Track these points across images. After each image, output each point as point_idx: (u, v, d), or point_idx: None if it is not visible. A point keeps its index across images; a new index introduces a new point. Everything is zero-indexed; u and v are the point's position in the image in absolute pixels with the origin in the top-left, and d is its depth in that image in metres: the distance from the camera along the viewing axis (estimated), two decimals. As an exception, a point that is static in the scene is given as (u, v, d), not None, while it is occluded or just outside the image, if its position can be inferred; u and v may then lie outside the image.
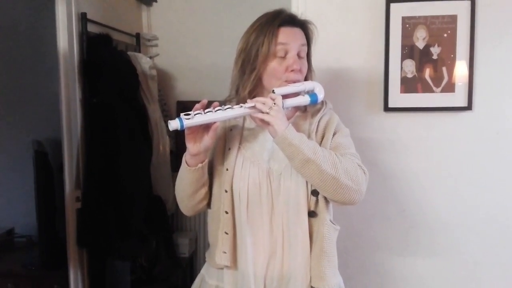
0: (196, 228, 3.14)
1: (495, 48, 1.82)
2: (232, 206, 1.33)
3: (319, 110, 1.37)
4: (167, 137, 2.74)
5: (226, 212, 1.32)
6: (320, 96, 1.32)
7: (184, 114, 1.19)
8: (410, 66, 1.86)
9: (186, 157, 1.31)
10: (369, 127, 1.92)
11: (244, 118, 1.39)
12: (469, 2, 1.80)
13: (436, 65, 1.84)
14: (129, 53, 2.60)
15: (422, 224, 1.94)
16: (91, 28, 2.29)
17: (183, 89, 3.10)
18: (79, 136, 2.21)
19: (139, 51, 2.88)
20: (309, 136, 1.30)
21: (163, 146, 2.69)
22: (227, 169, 1.33)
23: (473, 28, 1.80)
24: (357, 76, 1.91)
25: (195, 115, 1.20)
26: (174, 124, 1.18)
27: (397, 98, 1.87)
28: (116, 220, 2.17)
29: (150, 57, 2.94)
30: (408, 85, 1.86)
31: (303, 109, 1.39)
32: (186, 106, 2.94)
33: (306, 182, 1.29)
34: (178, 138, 2.88)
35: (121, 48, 2.54)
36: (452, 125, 1.88)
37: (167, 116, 2.89)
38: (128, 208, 2.23)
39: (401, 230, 1.95)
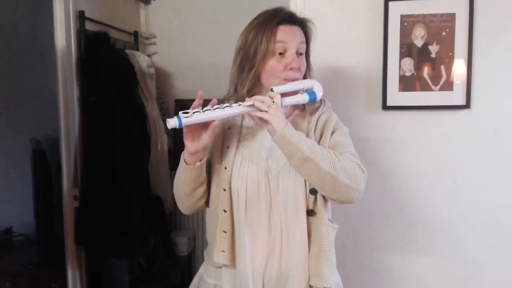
0: (194, 227, 3.14)
1: (493, 47, 1.82)
2: (230, 205, 1.32)
3: (317, 109, 1.37)
4: (165, 135, 2.74)
5: (225, 211, 1.32)
6: (319, 94, 1.31)
7: (183, 112, 1.19)
8: (408, 65, 1.86)
9: (184, 155, 1.30)
10: (368, 126, 1.92)
11: (243, 117, 1.39)
12: (468, 1, 1.80)
13: (435, 63, 1.84)
14: (127, 51, 2.60)
15: (421, 222, 1.94)
16: (89, 26, 2.28)
17: (181, 88, 3.10)
18: (77, 134, 2.21)
19: (137, 49, 2.88)
20: (307, 135, 1.30)
21: (161, 144, 2.69)
22: (225, 168, 1.33)
23: (472, 26, 1.80)
24: (355, 75, 1.91)
25: (193, 113, 1.20)
26: (172, 122, 1.18)
27: (395, 96, 1.87)
28: (114, 218, 2.17)
29: (148, 55, 2.94)
30: (407, 84, 1.86)
31: (301, 107, 1.39)
32: (184, 105, 2.94)
33: (305, 181, 1.29)
34: (176, 137, 2.88)
35: (119, 46, 2.54)
36: (451, 124, 1.88)
37: (165, 115, 2.89)
38: (126, 207, 2.23)
39: (400, 228, 1.96)
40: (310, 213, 1.30)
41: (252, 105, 1.23)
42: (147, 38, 3.04)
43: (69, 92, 2.16)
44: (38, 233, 2.49)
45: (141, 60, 2.64)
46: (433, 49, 1.84)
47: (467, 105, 1.84)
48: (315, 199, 1.30)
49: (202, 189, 1.35)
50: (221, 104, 1.23)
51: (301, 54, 1.34)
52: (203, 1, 3.03)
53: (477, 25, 1.81)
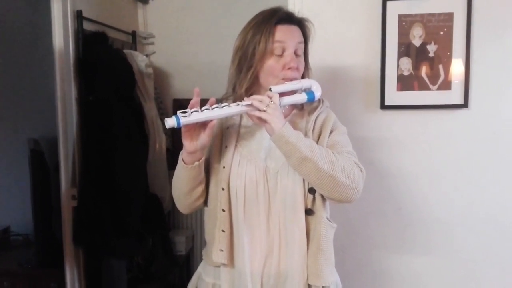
0: (192, 226, 3.14)
1: (491, 46, 1.83)
2: (229, 204, 1.32)
3: (316, 108, 1.37)
4: (164, 135, 2.74)
5: (223, 210, 1.32)
6: (317, 94, 1.32)
7: (181, 112, 1.19)
8: (406, 64, 1.86)
9: (182, 155, 1.30)
10: (366, 125, 1.92)
11: (241, 116, 1.39)
12: (465, 0, 1.80)
13: (433, 63, 1.85)
14: (125, 51, 2.60)
15: (419, 222, 1.94)
16: (87, 26, 2.28)
17: (180, 87, 3.10)
18: (75, 134, 2.20)
19: (135, 49, 2.87)
20: (305, 134, 1.30)
21: (160, 144, 2.69)
22: (224, 167, 1.33)
23: (470, 26, 1.81)
24: (353, 74, 1.91)
25: (191, 112, 1.20)
26: (170, 122, 1.18)
27: (393, 96, 1.88)
28: (112, 218, 2.17)
29: (146, 55, 2.94)
30: (405, 83, 1.87)
31: (300, 107, 1.39)
32: (182, 104, 2.92)
33: (303, 180, 1.29)
34: (175, 136, 2.88)
35: (117, 46, 2.54)
36: (449, 123, 1.88)
37: (164, 114, 2.89)
38: (125, 206, 2.23)
39: (398, 228, 1.96)
40: (308, 212, 1.31)
41: (251, 105, 1.23)
42: (145, 38, 3.04)
43: (67, 92, 2.16)
44: (36, 233, 2.49)
45: (139, 60, 2.64)
46: (431, 48, 1.84)
47: (465, 105, 1.84)
48: (314, 199, 1.30)
49: (201, 188, 1.35)
50: (220, 104, 1.24)
51: (299, 54, 1.34)
52: (201, 0, 3.03)
53: (475, 24, 1.81)
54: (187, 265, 3.11)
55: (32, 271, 2.43)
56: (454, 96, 1.85)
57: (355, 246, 1.98)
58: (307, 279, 1.32)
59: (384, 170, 1.93)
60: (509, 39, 1.82)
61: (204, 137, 1.24)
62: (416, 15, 1.83)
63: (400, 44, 1.85)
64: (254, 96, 1.25)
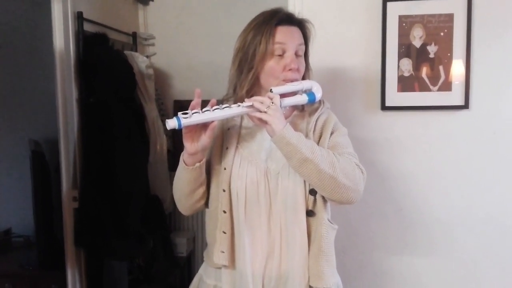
0: (194, 228, 3.14)
1: (491, 47, 1.82)
2: (230, 206, 1.32)
3: (316, 109, 1.37)
4: (164, 136, 2.74)
5: (224, 212, 1.32)
6: (318, 95, 1.32)
7: (182, 113, 1.19)
8: (407, 65, 1.86)
9: (183, 156, 1.30)
10: (367, 126, 1.92)
11: (242, 117, 1.39)
12: (466, 1, 1.80)
13: (433, 63, 1.85)
14: (126, 52, 2.60)
15: (420, 223, 1.94)
16: (88, 27, 2.28)
17: (180, 88, 3.10)
18: (75, 135, 2.21)
19: (136, 50, 2.88)
20: (306, 135, 1.30)
21: (160, 145, 2.69)
22: (224, 168, 1.33)
23: (470, 26, 1.81)
24: (354, 75, 1.91)
25: (192, 114, 1.19)
26: (171, 123, 1.18)
27: (394, 97, 1.87)
28: (113, 219, 2.17)
29: (147, 56, 2.94)
30: (405, 84, 1.86)
31: (300, 108, 1.39)
32: (183, 105, 2.94)
33: (304, 182, 1.29)
34: (176, 137, 2.88)
35: (117, 47, 2.54)
36: (449, 124, 1.88)
37: (164, 115, 2.89)
38: (125, 208, 2.23)
39: (399, 229, 1.96)
40: (309, 213, 1.30)
41: (252, 106, 1.23)
42: (145, 39, 3.04)
43: (68, 93, 2.16)
44: (38, 234, 2.49)
45: (139, 61, 2.64)
46: (432, 49, 1.84)
47: (465, 106, 1.84)
48: (315, 200, 1.30)
49: (202, 190, 1.35)
50: (221, 105, 1.24)
51: (300, 55, 1.34)
52: (202, 1, 3.03)
53: (476, 25, 1.81)
54: (188, 266, 3.10)
55: (33, 273, 2.44)
56: (455, 97, 1.85)
57: (356, 247, 1.98)
58: (308, 280, 1.32)
59: (385, 171, 1.93)
60: (509, 40, 1.82)
61: (205, 139, 1.24)
62: (416, 16, 1.83)
63: (400, 45, 1.85)
64: (255, 97, 1.25)
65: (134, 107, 2.47)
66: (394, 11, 1.84)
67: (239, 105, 1.24)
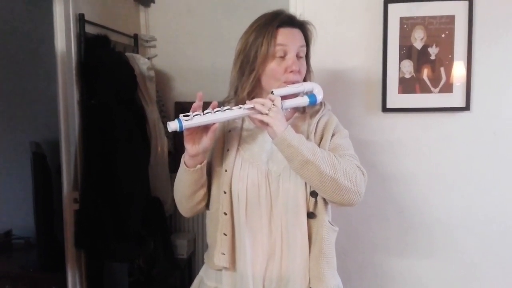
0: (194, 229, 3.14)
1: (492, 48, 1.83)
2: (230, 208, 1.32)
3: (317, 111, 1.37)
4: (165, 138, 2.74)
5: (225, 214, 1.32)
6: (319, 97, 1.32)
7: (183, 115, 1.19)
8: (408, 67, 1.86)
9: (184, 158, 1.30)
10: (368, 128, 1.92)
11: (243, 119, 1.39)
12: (467, 3, 1.80)
13: (434, 65, 1.85)
14: (127, 54, 2.60)
15: (421, 225, 1.94)
16: (89, 29, 2.29)
17: (181, 90, 3.10)
18: (77, 137, 2.21)
19: (137, 52, 2.88)
20: (307, 137, 1.30)
21: (161, 147, 2.69)
22: (226, 170, 1.33)
23: (471, 28, 1.81)
24: (355, 77, 1.91)
25: (194, 116, 1.19)
26: (173, 126, 1.18)
27: (395, 98, 1.87)
28: (114, 221, 2.17)
29: (148, 58, 2.94)
30: (406, 86, 1.86)
31: (301, 110, 1.39)
32: (184, 107, 2.94)
33: (305, 184, 1.29)
34: (177, 139, 2.88)
35: (119, 49, 2.54)
36: (450, 126, 1.88)
37: (165, 117, 2.89)
38: (126, 210, 2.23)
39: (400, 231, 1.95)
40: (310, 215, 1.30)
41: (253, 108, 1.23)
42: (147, 41, 3.04)
43: (69, 95, 2.16)
44: (38, 236, 2.49)
45: (141, 63, 2.65)
46: (433, 51, 1.84)
47: (466, 107, 1.84)
48: (316, 202, 1.30)
49: (203, 192, 1.35)
50: (222, 107, 1.24)
51: (301, 57, 1.34)
52: (203, 4, 3.03)
53: (477, 27, 1.81)
54: (188, 268, 3.10)
55: (34, 275, 2.44)
56: (456, 98, 1.85)
57: (356, 249, 1.98)
58: (309, 282, 1.32)
59: (386, 173, 1.93)
60: (510, 42, 1.82)
61: (206, 141, 1.24)
62: (417, 17, 1.83)
63: (401, 47, 1.85)
64: (256, 99, 1.25)
65: (135, 109, 2.47)
66: (395, 12, 1.84)
67: (240, 107, 1.24)
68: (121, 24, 2.73)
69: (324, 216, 1.31)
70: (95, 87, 2.22)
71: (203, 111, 1.21)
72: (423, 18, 1.83)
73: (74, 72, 2.18)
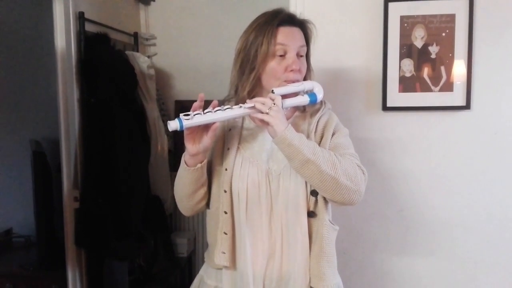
0: (194, 228, 3.14)
1: (493, 47, 1.82)
2: (231, 206, 1.32)
3: (318, 110, 1.37)
4: (165, 136, 2.74)
5: (225, 212, 1.32)
6: (319, 96, 1.31)
7: (184, 115, 1.19)
8: (408, 65, 1.86)
9: (185, 157, 1.30)
10: (368, 127, 1.92)
11: (243, 118, 1.39)
12: (467, 1, 1.80)
13: (435, 64, 1.85)
14: (127, 52, 2.60)
15: (421, 223, 1.94)
16: (89, 27, 2.28)
17: (181, 89, 3.10)
18: (77, 136, 2.21)
19: (137, 51, 2.87)
20: (308, 136, 1.30)
21: (161, 145, 2.69)
22: (226, 169, 1.33)
23: (471, 27, 1.81)
24: (355, 76, 1.91)
25: (194, 115, 1.19)
26: (173, 125, 1.18)
27: (395, 97, 1.87)
28: (114, 220, 2.17)
29: (148, 57, 2.94)
30: (407, 84, 1.86)
31: (302, 109, 1.39)
32: (184, 106, 2.95)
33: (305, 183, 1.29)
34: (177, 138, 2.88)
35: (119, 48, 2.54)
36: (451, 124, 1.88)
37: (165, 116, 2.89)
38: (126, 208, 2.23)
39: (400, 230, 1.96)
40: (311, 214, 1.30)
41: (253, 107, 1.23)
42: (147, 39, 3.04)
43: (69, 93, 2.16)
44: (38, 234, 2.49)
45: (141, 61, 2.64)
46: (433, 50, 1.84)
47: (467, 106, 1.84)
48: (316, 201, 1.30)
49: (203, 190, 1.35)
50: (222, 106, 1.23)
51: (301, 56, 1.34)
52: (203, 2, 3.03)
53: (477, 25, 1.81)
54: (188, 267, 3.10)
55: (34, 273, 2.44)
56: (456, 97, 1.85)
57: (357, 248, 1.98)
58: (310, 281, 1.32)
59: (386, 171, 1.93)
60: (511, 40, 1.81)
61: (207, 140, 1.24)
62: (418, 16, 1.83)
63: (402, 46, 1.85)
64: (256, 99, 1.25)
65: (135, 108, 2.47)
66: (396, 11, 1.84)
67: (240, 106, 1.24)
68: (121, 22, 2.73)
69: (325, 215, 1.31)
70: (95, 86, 2.22)
71: (203, 110, 1.21)
72: (424, 16, 1.83)
73: (74, 70, 2.18)
